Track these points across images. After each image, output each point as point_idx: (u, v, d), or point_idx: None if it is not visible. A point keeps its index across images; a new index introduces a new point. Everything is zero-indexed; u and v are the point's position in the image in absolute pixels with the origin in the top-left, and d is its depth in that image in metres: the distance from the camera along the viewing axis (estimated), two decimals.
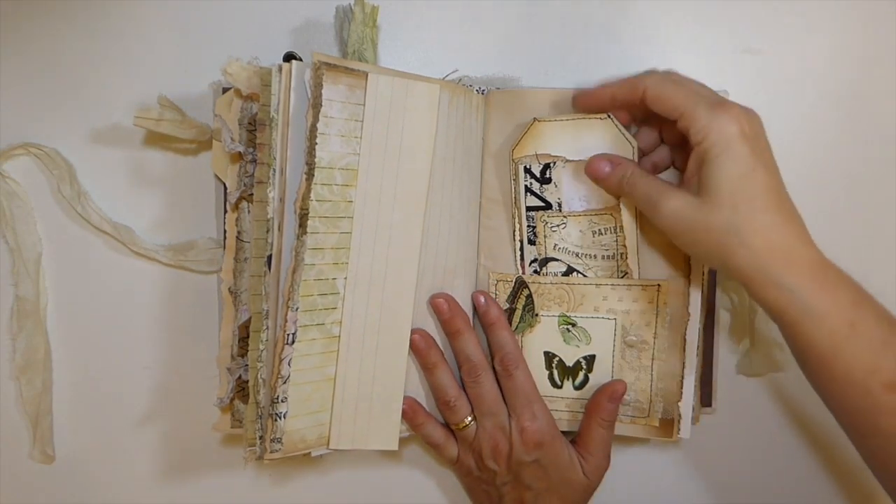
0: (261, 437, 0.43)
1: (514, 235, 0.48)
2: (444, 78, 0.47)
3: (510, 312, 0.49)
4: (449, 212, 0.47)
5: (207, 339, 0.50)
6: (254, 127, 0.44)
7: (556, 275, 0.48)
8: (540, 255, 0.48)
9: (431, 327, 0.48)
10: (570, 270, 0.48)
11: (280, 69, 0.42)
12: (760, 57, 0.51)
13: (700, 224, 0.39)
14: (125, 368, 0.51)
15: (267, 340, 0.43)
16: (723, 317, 0.52)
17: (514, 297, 0.49)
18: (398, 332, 0.46)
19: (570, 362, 0.49)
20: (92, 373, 0.51)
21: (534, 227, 0.48)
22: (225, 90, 0.46)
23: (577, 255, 0.48)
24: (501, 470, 0.47)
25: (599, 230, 0.47)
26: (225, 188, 0.47)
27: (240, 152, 0.45)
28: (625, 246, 0.47)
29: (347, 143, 0.42)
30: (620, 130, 0.45)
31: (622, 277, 0.47)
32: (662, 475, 0.54)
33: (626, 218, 0.46)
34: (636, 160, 0.45)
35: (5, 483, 0.51)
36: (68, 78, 0.50)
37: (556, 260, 0.48)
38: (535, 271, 0.48)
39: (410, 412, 0.48)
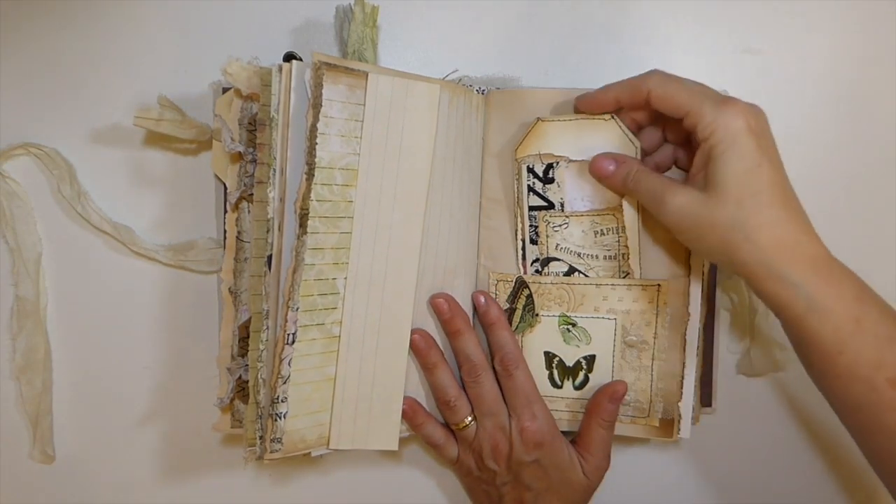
0: (261, 437, 0.43)
1: (515, 235, 0.48)
2: (444, 78, 0.47)
3: (510, 312, 0.49)
4: (449, 212, 0.47)
5: (207, 339, 0.50)
6: (254, 127, 0.44)
7: (557, 275, 0.48)
8: (542, 254, 0.48)
9: (431, 327, 0.48)
10: (571, 270, 0.48)
11: (280, 69, 0.42)
12: (760, 57, 0.51)
13: (705, 219, 0.39)
14: (125, 368, 0.51)
15: (267, 340, 0.43)
16: (723, 317, 0.52)
17: (514, 296, 0.49)
18: (398, 332, 0.46)
19: (570, 362, 0.49)
20: (92, 373, 0.51)
21: (536, 227, 0.48)
22: (225, 90, 0.46)
23: (578, 255, 0.48)
24: (501, 470, 0.47)
25: (602, 230, 0.47)
26: (225, 188, 0.47)
27: (240, 152, 0.45)
28: (626, 246, 0.47)
29: (347, 143, 0.42)
30: (624, 131, 0.45)
31: (624, 278, 0.47)
32: (662, 475, 0.54)
33: (629, 218, 0.46)
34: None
35: (5, 483, 0.51)
36: (68, 78, 0.50)
37: (558, 260, 0.48)
38: (537, 271, 0.48)
39: (410, 412, 0.48)
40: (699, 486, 0.54)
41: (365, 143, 0.43)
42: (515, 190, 0.48)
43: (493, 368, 0.48)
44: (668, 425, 0.48)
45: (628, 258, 0.47)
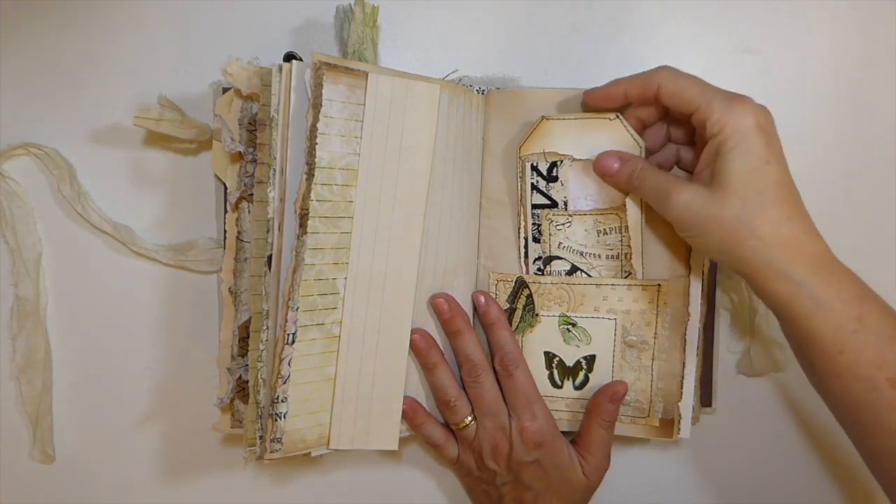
0: (261, 437, 0.43)
1: (518, 233, 0.48)
2: (444, 78, 0.47)
3: (510, 312, 0.49)
4: (449, 212, 0.47)
5: (207, 339, 0.50)
6: (254, 127, 0.44)
7: (559, 273, 0.48)
8: (544, 253, 0.48)
9: (431, 327, 0.48)
10: (573, 269, 0.48)
11: (280, 69, 0.42)
12: (760, 57, 0.51)
13: (710, 216, 0.39)
14: (125, 368, 0.51)
15: (267, 340, 0.43)
16: (723, 317, 0.52)
17: (514, 296, 0.49)
18: (398, 332, 0.46)
19: (570, 362, 0.49)
20: (92, 373, 0.51)
21: (539, 225, 0.48)
22: (225, 90, 0.46)
23: (581, 254, 0.48)
24: (501, 470, 0.47)
25: (604, 230, 0.47)
26: (225, 188, 0.47)
27: (240, 152, 0.45)
28: (629, 246, 0.46)
29: (347, 143, 0.42)
30: (629, 130, 0.45)
31: (626, 277, 0.47)
32: (662, 475, 0.54)
33: (632, 217, 0.46)
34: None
35: (5, 483, 0.51)
36: (68, 78, 0.50)
37: (560, 258, 0.48)
38: (539, 269, 0.48)
39: (410, 412, 0.48)
40: (699, 486, 0.54)
41: (365, 143, 0.43)
42: (519, 187, 0.48)
43: (494, 368, 0.48)
44: (668, 425, 0.48)
45: (630, 258, 0.47)
